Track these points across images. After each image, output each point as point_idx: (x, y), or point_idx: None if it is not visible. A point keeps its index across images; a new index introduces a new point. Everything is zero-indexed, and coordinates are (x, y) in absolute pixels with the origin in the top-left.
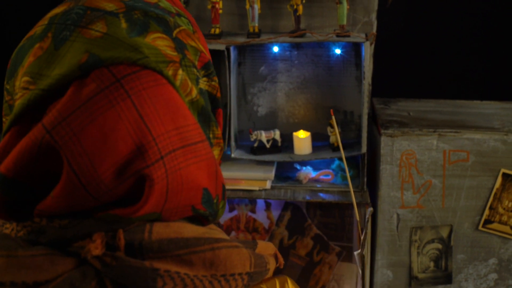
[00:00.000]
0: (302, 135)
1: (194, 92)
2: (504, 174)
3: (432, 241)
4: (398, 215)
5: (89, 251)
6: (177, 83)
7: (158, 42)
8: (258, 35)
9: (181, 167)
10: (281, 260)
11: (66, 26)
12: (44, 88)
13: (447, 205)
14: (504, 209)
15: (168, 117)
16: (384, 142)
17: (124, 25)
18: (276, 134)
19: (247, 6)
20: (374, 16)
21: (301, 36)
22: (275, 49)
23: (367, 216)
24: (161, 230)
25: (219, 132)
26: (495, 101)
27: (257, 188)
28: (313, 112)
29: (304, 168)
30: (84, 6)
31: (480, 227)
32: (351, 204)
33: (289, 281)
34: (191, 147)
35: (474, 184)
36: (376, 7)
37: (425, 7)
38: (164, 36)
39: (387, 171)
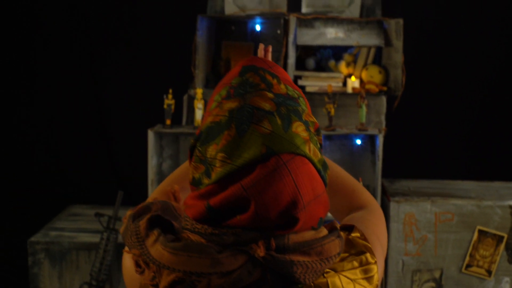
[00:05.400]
0: None
1: (319, 154)
2: (479, 230)
3: (428, 281)
4: (402, 261)
5: (256, 252)
6: (311, 153)
7: (299, 129)
8: None
9: (311, 210)
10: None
11: (243, 121)
12: (238, 165)
13: (438, 253)
14: (480, 256)
15: (308, 183)
16: (392, 206)
17: (279, 121)
18: None
19: None
20: (383, 117)
21: (333, 130)
22: None
23: None
24: (294, 237)
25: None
26: (472, 181)
27: None
28: None
29: None
30: (251, 105)
31: (463, 270)
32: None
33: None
34: (318, 198)
35: (458, 238)
36: (384, 111)
37: (420, 111)
38: (300, 123)
39: (394, 228)
